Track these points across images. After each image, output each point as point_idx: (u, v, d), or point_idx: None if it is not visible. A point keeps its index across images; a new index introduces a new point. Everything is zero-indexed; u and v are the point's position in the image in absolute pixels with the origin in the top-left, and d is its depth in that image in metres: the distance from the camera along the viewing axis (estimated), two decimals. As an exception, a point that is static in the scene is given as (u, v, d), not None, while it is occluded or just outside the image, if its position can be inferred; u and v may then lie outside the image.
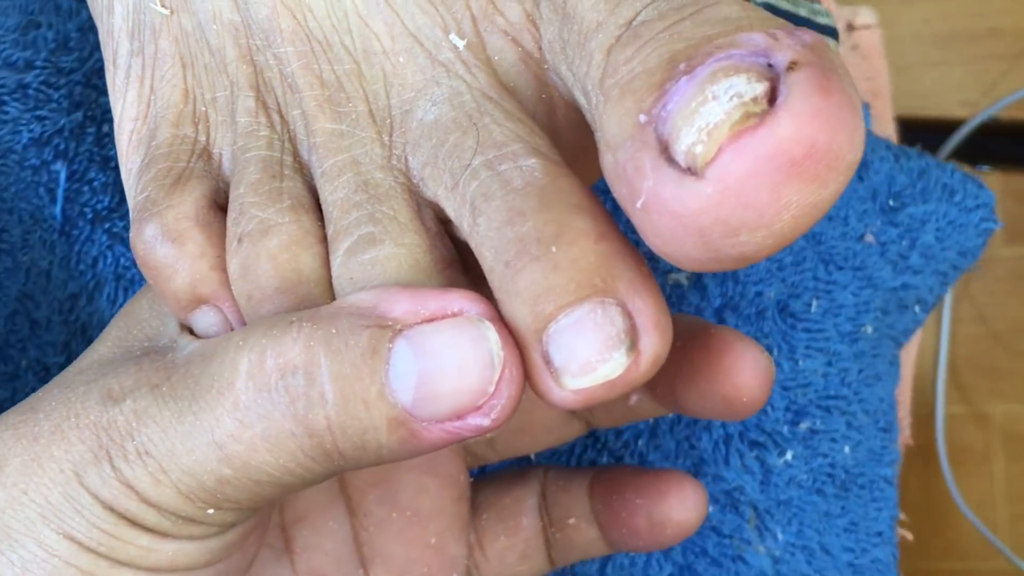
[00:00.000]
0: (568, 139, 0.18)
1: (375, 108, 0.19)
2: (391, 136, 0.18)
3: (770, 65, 0.14)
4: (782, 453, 0.31)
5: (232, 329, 0.19)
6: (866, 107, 0.36)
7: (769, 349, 0.31)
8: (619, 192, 0.15)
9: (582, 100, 0.17)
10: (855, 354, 0.32)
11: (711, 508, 0.30)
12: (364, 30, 0.19)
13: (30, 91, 0.27)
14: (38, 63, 0.28)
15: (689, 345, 0.21)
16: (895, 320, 0.33)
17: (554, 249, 0.16)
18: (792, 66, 0.14)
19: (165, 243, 0.19)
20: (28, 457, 0.18)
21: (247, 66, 0.20)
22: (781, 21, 0.15)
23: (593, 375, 0.16)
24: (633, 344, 0.16)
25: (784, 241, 0.14)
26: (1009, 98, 0.78)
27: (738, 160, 0.13)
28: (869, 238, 0.32)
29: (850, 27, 0.43)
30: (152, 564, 0.18)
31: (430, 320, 0.16)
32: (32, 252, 0.27)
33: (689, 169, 0.14)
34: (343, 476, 0.24)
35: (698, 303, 0.30)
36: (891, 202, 0.32)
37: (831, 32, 0.36)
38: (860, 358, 0.32)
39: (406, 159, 0.18)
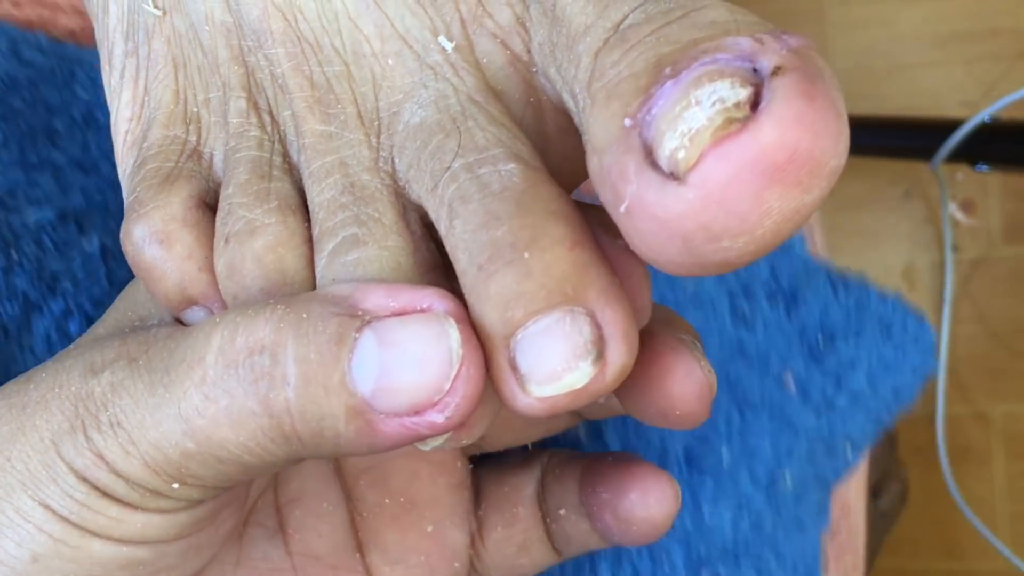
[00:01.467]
0: (556, 143, 0.18)
1: (364, 110, 0.19)
2: (379, 138, 0.18)
3: (755, 70, 0.14)
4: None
5: None
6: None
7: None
8: (604, 196, 0.15)
9: (570, 103, 0.17)
10: (771, 502, 0.29)
11: None
12: (354, 32, 0.19)
13: None
14: None
15: None
16: (823, 465, 0.31)
17: (527, 255, 0.16)
18: (777, 71, 0.13)
19: (153, 244, 0.19)
20: (15, 426, 0.18)
21: (239, 67, 0.20)
22: (769, 25, 0.15)
23: (558, 384, 0.16)
24: (600, 354, 0.16)
25: (766, 247, 0.14)
26: (1009, 98, 0.78)
27: (720, 166, 0.13)
28: (789, 382, 0.30)
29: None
30: (122, 535, 0.18)
31: (399, 314, 0.16)
32: None
33: (672, 174, 0.14)
34: (337, 459, 0.24)
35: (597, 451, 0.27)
36: (820, 341, 0.30)
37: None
38: (777, 506, 0.29)
39: (393, 161, 0.18)
